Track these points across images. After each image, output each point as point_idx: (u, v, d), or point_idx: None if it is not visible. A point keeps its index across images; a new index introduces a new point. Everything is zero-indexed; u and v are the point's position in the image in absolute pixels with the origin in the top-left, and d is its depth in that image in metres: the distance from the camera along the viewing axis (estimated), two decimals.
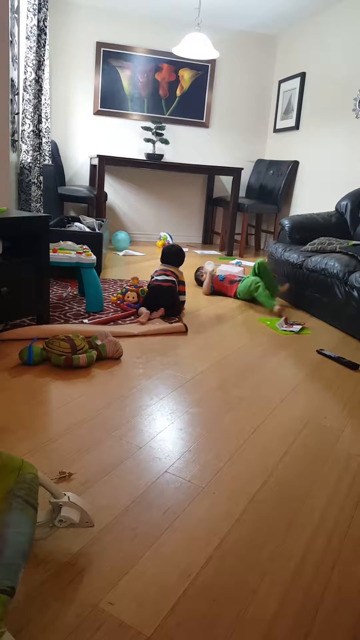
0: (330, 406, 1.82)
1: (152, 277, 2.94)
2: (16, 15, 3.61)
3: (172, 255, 3.10)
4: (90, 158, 5.27)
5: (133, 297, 2.83)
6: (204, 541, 1.09)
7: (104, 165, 4.55)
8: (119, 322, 2.59)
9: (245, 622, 0.91)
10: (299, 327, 2.70)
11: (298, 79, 5.04)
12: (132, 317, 2.68)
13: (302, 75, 4.97)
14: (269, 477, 1.35)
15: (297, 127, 5.10)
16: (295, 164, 5.08)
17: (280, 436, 1.58)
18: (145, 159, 4.86)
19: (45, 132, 4.34)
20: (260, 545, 1.10)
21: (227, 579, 1.00)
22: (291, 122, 5.20)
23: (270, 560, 1.06)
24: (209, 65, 5.42)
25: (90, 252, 2.69)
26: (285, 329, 2.68)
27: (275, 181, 5.18)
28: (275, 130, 5.57)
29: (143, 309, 2.72)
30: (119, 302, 2.83)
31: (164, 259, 3.12)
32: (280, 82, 5.44)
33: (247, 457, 1.44)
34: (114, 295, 3.04)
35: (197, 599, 0.95)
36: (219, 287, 3.41)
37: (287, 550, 1.09)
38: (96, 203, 4.60)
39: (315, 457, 1.47)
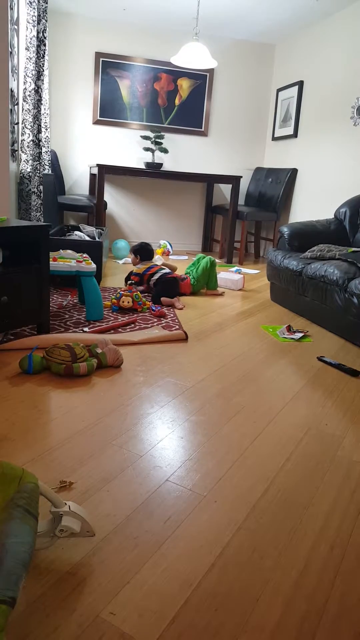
0: (331, 413, 1.81)
1: (156, 272, 3.38)
2: (16, 27, 3.64)
3: (151, 252, 3.70)
4: (90, 167, 5.30)
5: (128, 302, 2.89)
6: (205, 550, 1.09)
7: (104, 174, 4.58)
8: (119, 330, 2.59)
9: (248, 631, 0.90)
10: (301, 334, 2.70)
11: (296, 88, 5.08)
12: (133, 325, 2.68)
13: (300, 84, 5.01)
14: (270, 485, 1.35)
15: (295, 135, 5.13)
16: (294, 171, 5.10)
17: (281, 444, 1.57)
18: (144, 167, 4.88)
19: (45, 141, 4.36)
20: (262, 553, 1.09)
21: (229, 587, 0.99)
22: (289, 130, 5.23)
23: (273, 568, 1.05)
24: (207, 74, 5.46)
25: (90, 261, 2.70)
26: (286, 336, 2.68)
27: (274, 189, 5.20)
28: (274, 139, 5.60)
29: (172, 300, 3.19)
30: (152, 309, 2.96)
31: (147, 256, 3.66)
32: (278, 90, 5.48)
33: (248, 465, 1.44)
34: (109, 300, 3.07)
35: (198, 608, 0.94)
36: None
37: (289, 559, 1.08)
38: (96, 212, 4.62)
39: (316, 464, 1.47)
